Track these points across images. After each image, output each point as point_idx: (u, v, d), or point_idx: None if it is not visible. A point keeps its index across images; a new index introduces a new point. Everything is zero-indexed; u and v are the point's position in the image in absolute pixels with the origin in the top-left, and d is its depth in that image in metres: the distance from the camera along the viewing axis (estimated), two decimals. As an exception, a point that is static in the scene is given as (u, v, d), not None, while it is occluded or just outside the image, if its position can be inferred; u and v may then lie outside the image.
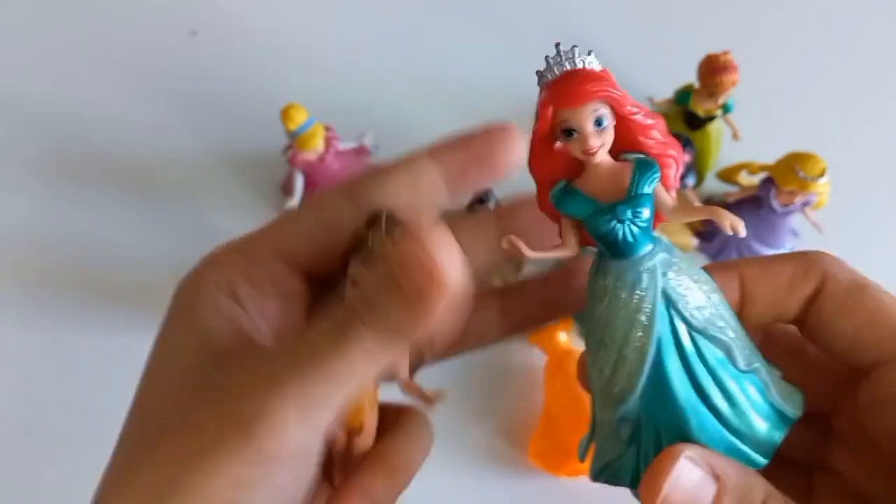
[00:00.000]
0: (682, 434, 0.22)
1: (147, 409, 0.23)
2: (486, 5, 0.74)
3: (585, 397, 0.56)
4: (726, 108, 0.58)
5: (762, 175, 0.56)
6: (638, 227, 0.22)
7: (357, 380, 0.20)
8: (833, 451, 0.24)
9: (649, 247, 0.23)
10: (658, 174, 0.23)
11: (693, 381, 0.23)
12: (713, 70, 0.55)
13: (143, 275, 0.60)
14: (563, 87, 0.22)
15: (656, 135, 0.23)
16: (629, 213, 0.22)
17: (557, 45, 0.23)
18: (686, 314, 0.23)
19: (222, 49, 0.71)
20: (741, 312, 0.23)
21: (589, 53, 0.23)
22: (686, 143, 0.54)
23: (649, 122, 0.23)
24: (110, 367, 0.57)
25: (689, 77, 0.58)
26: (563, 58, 0.23)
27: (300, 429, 0.20)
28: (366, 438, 0.25)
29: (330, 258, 0.23)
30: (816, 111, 0.67)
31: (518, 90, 0.68)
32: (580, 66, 0.23)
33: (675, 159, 0.23)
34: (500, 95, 0.68)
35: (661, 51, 0.69)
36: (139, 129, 0.66)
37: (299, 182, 0.58)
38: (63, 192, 0.64)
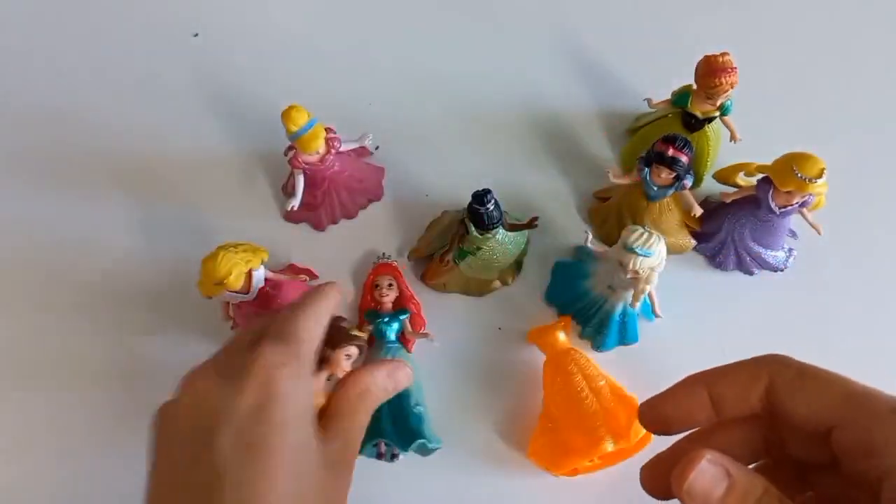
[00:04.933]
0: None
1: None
2: (485, 6, 0.74)
3: (584, 396, 0.56)
4: (724, 110, 0.58)
5: (760, 176, 0.56)
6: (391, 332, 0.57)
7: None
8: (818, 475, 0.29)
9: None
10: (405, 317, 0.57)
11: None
12: (711, 71, 0.55)
13: (142, 274, 0.60)
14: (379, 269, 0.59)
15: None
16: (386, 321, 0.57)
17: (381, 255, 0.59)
18: None
19: (223, 50, 0.71)
20: (718, 410, 0.29)
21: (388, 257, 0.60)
22: (684, 145, 0.54)
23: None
24: (110, 367, 0.57)
25: (688, 78, 0.58)
26: (385, 257, 0.59)
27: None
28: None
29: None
30: (815, 112, 0.68)
31: (517, 91, 0.69)
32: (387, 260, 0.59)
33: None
34: (499, 96, 0.69)
35: (659, 52, 0.70)
36: (140, 130, 0.67)
37: (300, 183, 0.59)
38: (63, 193, 0.64)
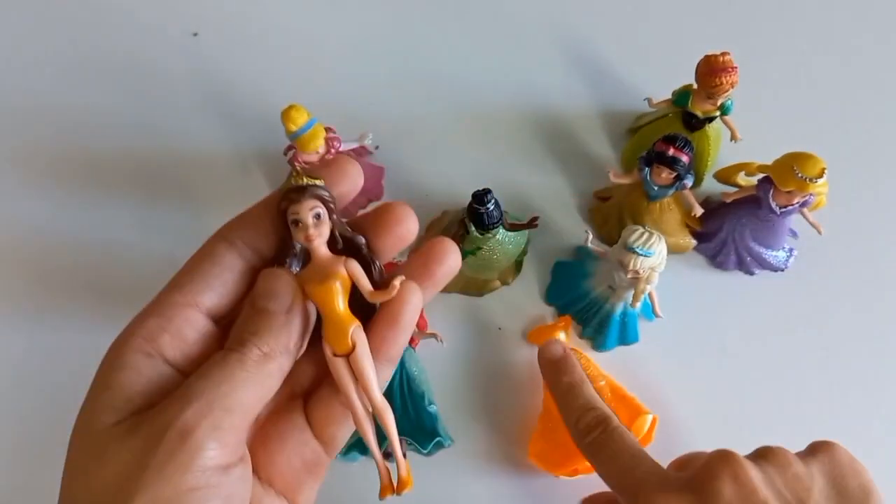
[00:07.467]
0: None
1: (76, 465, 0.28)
2: (485, 6, 0.74)
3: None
4: (725, 109, 0.58)
5: (760, 175, 0.56)
6: None
7: (253, 385, 0.26)
8: None
9: None
10: None
11: (401, 389, 0.53)
12: (712, 71, 0.55)
13: (143, 274, 0.60)
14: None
15: None
16: None
17: None
18: (409, 367, 0.54)
19: (223, 50, 0.71)
20: None
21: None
22: (685, 144, 0.54)
23: None
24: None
25: (688, 78, 0.58)
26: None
27: (212, 437, 0.25)
28: (362, 351, 0.29)
29: (229, 298, 0.29)
30: (815, 111, 0.67)
31: (517, 90, 0.69)
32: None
33: None
34: (499, 95, 0.69)
35: (659, 52, 0.70)
36: (140, 129, 0.67)
37: (300, 183, 0.58)
38: (63, 192, 0.64)
